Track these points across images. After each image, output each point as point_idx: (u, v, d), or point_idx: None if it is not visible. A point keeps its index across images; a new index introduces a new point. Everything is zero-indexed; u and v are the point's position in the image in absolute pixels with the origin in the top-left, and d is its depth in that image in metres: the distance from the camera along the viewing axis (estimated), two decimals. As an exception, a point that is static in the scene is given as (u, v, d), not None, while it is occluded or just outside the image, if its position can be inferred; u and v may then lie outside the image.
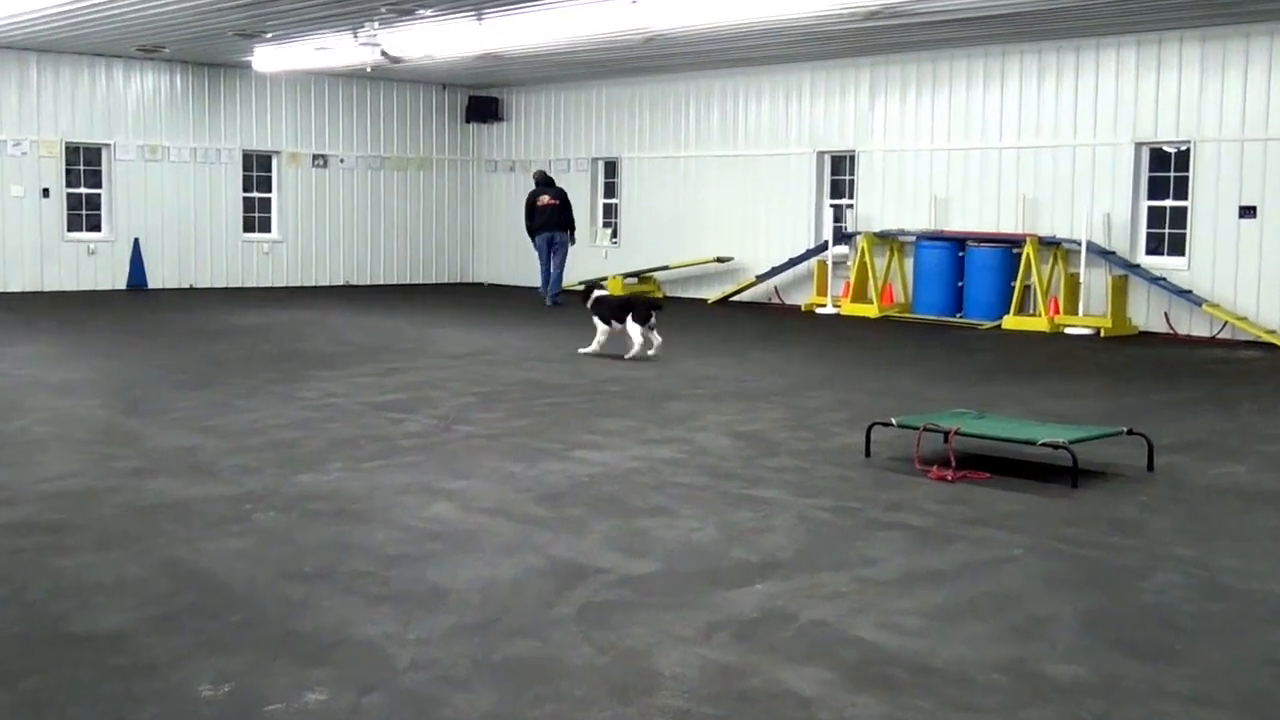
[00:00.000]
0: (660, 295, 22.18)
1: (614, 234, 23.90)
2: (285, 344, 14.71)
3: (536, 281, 23.32)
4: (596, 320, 13.56)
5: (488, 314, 19.15)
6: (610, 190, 24.13)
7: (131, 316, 18.02)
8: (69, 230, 21.79)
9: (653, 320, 13.32)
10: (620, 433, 9.11)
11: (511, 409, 10.11)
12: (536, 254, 21.01)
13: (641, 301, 13.80)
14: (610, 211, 24.15)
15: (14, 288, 21.19)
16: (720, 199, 21.98)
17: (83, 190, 21.96)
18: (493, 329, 16.84)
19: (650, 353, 13.27)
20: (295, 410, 9.93)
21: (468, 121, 25.83)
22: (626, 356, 13.16)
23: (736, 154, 21.68)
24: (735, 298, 21.37)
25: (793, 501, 7.05)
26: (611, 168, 23.98)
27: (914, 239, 19.09)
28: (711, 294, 21.74)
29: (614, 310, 13.54)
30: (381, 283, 24.97)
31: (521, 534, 6.29)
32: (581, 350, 13.67)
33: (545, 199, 20.60)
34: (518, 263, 25.01)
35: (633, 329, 13.21)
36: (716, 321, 18.39)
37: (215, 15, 16.81)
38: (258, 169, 23.71)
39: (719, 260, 21.52)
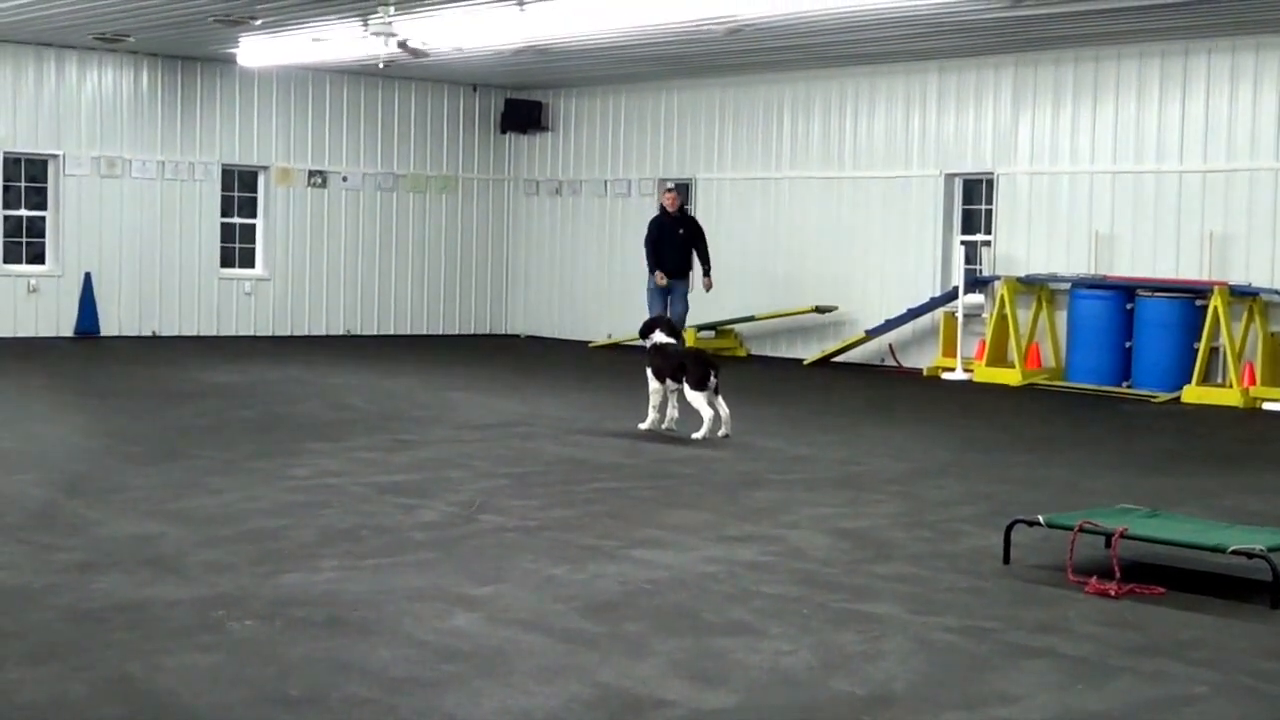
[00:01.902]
0: (744, 353, 22.24)
1: (685, 275, 23.97)
2: (270, 409, 14.81)
3: (586, 333, 23.46)
4: (650, 376, 13.27)
5: (524, 374, 19.22)
6: (682, 220, 24.22)
7: (79, 371, 18.22)
8: (4, 262, 22.15)
9: (713, 382, 12.88)
10: (690, 528, 9.08)
11: (552, 495, 10.10)
12: (648, 294, 20.28)
13: (695, 357, 13.40)
14: (681, 247, 24.24)
15: (-66, 333, 21.58)
16: (821, 233, 22.03)
17: (23, 212, 22.34)
18: (530, 393, 16.89)
19: (722, 432, 12.94)
20: (281, 492, 9.96)
21: (504, 131, 26.07)
22: (695, 436, 12.92)
23: (842, 176, 21.74)
24: (838, 358, 21.35)
25: (909, 620, 6.99)
26: (684, 192, 24.10)
27: (1068, 286, 19.01)
28: (809, 353, 21.74)
29: (673, 366, 13.11)
30: (391, 333, 25.16)
31: (563, 655, 6.27)
32: (641, 425, 13.44)
33: (680, 231, 20.27)
34: (563, 309, 25.12)
35: (696, 398, 12.82)
36: (814, 388, 18.36)
37: (192, -4, 17.14)
38: (240, 188, 24.03)
39: (819, 310, 21.54)
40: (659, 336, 13.50)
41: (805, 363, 21.37)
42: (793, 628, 6.79)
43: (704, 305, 23.02)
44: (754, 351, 22.56)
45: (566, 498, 10.03)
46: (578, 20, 17.29)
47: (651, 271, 20.14)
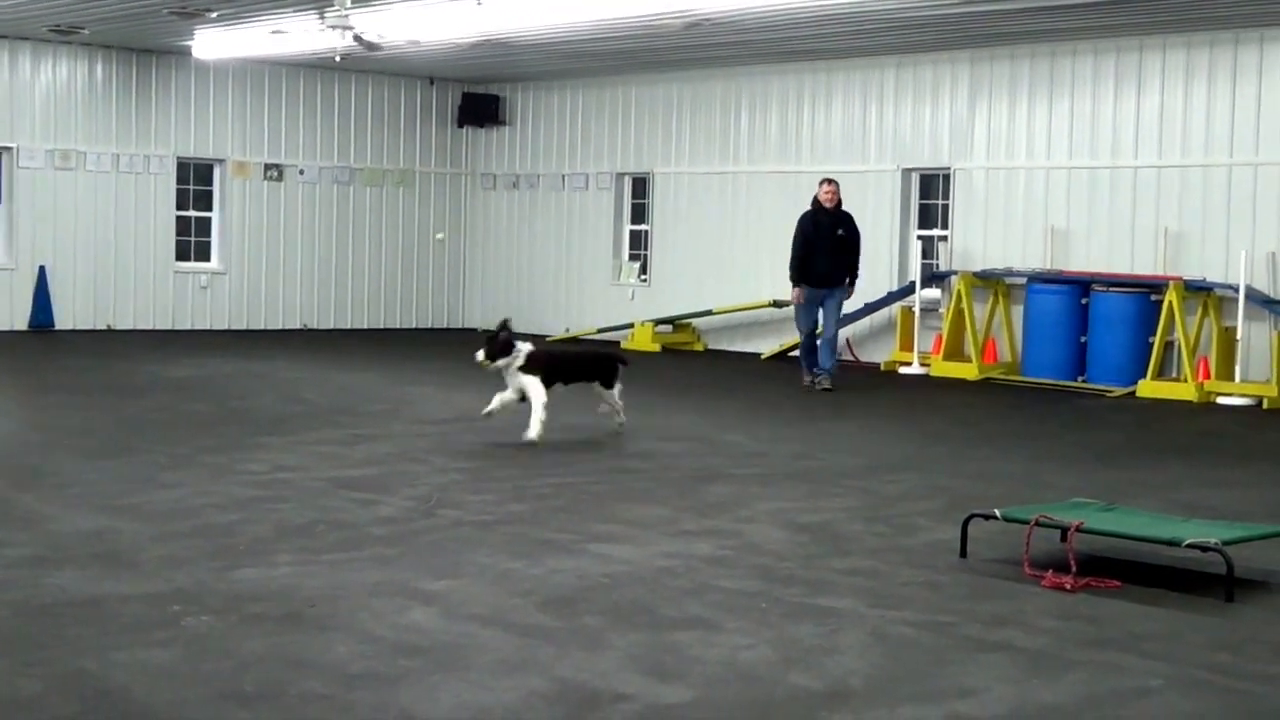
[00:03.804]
0: (701, 347, 22.26)
1: (643, 269, 23.98)
2: (224, 402, 14.77)
3: (543, 328, 23.39)
4: (526, 380, 12.43)
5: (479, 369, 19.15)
6: (639, 214, 24.24)
7: (32, 364, 18.13)
8: (-44, 255, 22.02)
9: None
10: (647, 522, 9.09)
11: (509, 490, 10.10)
12: (795, 308, 17.80)
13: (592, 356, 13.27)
14: (639, 241, 24.26)
15: (-115, 327, 21.41)
16: (778, 227, 22.02)
17: (-25, 205, 22.21)
18: (486, 388, 16.80)
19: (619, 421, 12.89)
20: (236, 487, 9.93)
21: (460, 125, 26.04)
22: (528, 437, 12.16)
23: (799, 170, 21.75)
24: (796, 352, 21.38)
25: (867, 613, 7.01)
26: (641, 186, 24.11)
27: (1024, 281, 19.09)
28: (766, 347, 21.77)
29: (562, 368, 12.70)
30: (348, 327, 25.10)
31: (521, 649, 6.27)
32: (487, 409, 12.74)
33: (839, 232, 17.39)
34: (521, 304, 25.11)
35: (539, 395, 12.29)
36: (772, 382, 18.38)
37: (150, -12, 17.05)
38: (195, 181, 23.93)
39: (776, 305, 21.55)
40: (523, 345, 12.66)
41: (763, 357, 21.38)
42: (750, 622, 6.79)
43: (662, 298, 23.06)
44: (711, 346, 22.58)
45: (522, 492, 10.02)
46: (535, 14, 17.29)
47: (796, 283, 17.30)
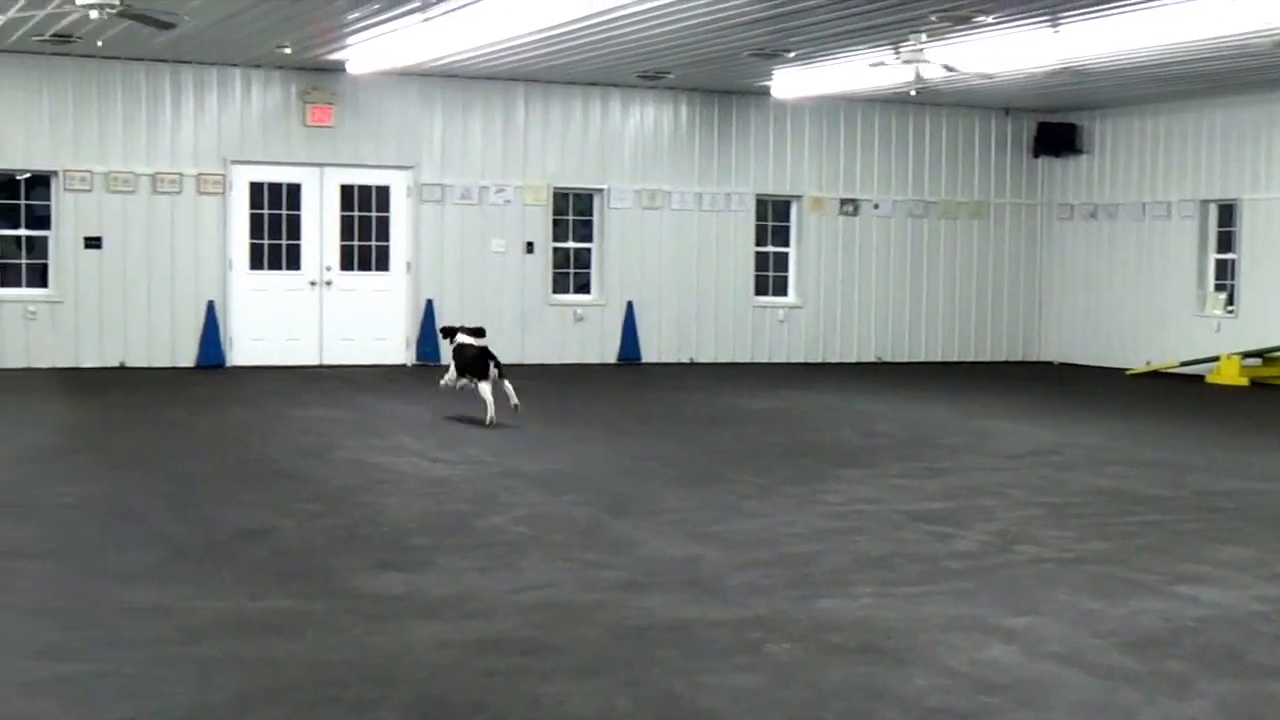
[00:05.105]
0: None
1: (1229, 300, 22.98)
2: (802, 434, 15.06)
3: (1122, 360, 22.76)
4: (451, 366, 15.48)
5: (1057, 401, 18.86)
6: (1225, 243, 23.24)
7: (621, 395, 18.99)
8: (553, 292, 23.31)
9: (493, 374, 14.87)
10: (1238, 564, 8.73)
11: (1089, 527, 9.90)
12: None
13: (479, 355, 15.18)
14: (1224, 270, 23.26)
15: (490, 359, 22.82)
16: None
17: (570, 245, 23.46)
18: (1064, 421, 16.56)
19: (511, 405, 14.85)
20: (814, 517, 10.12)
21: (1036, 155, 25.67)
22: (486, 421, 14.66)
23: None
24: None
25: None
26: (1227, 213, 23.11)
27: None
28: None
29: (467, 360, 15.20)
30: (921, 359, 25.13)
31: (1103, 691, 6.14)
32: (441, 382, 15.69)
33: None
34: (1098, 336, 24.52)
35: (483, 388, 14.79)
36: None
37: (733, 32, 17.58)
38: (773, 217, 24.52)
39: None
40: (460, 337, 15.47)
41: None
42: (1353, 674, 6.41)
43: (1252, 329, 22.01)
44: (1304, 380, 21.43)
45: (1104, 529, 9.80)
46: (1115, 39, 16.90)
47: None
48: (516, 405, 14.86)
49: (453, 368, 15.47)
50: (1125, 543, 9.36)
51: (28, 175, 20.58)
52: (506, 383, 14.94)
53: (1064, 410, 17.81)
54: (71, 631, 6.88)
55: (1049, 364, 25.27)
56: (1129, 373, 23.11)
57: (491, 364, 14.93)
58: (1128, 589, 8.01)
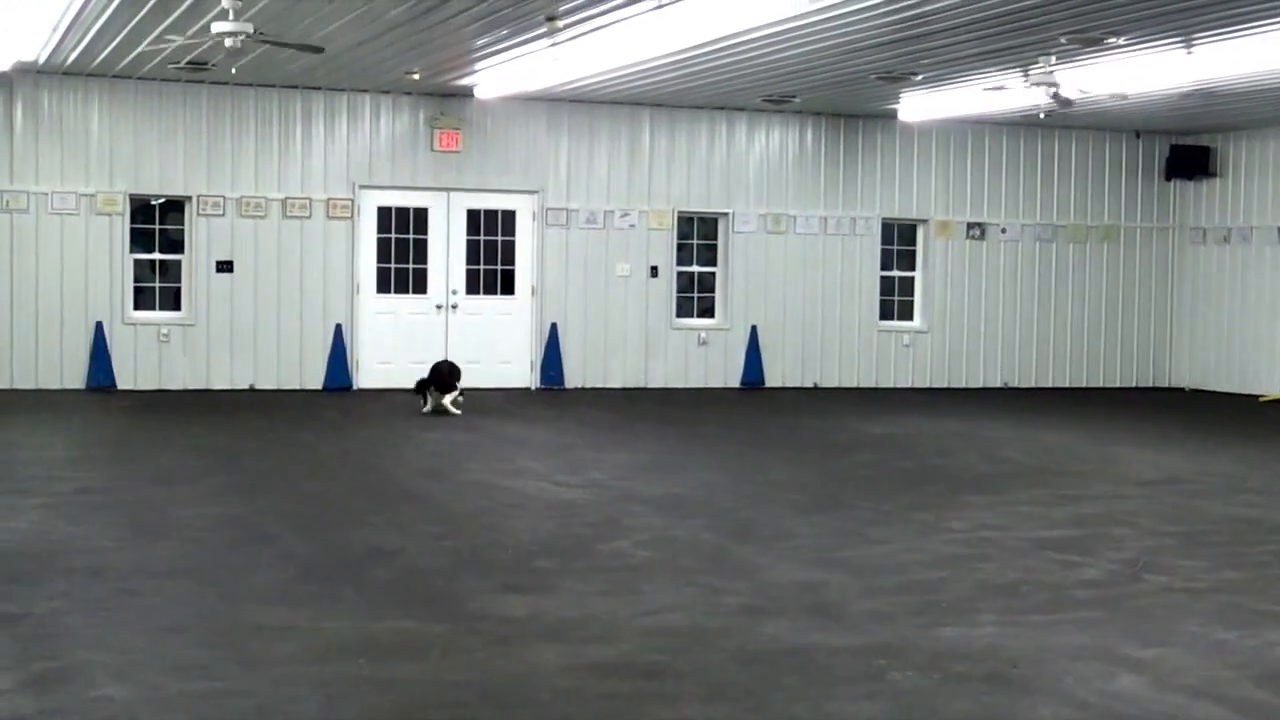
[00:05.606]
0: None
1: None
2: (927, 460, 14.96)
3: (1256, 386, 22.36)
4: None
5: (1188, 428, 18.58)
6: (1363, 268, 22.80)
7: (743, 420, 18.97)
8: (677, 316, 23.35)
9: (454, 393, 18.17)
10: (1375, 596, 8.54)
11: (1221, 556, 9.76)
12: None
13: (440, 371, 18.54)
14: (1362, 295, 22.83)
15: (614, 383, 22.91)
16: None
17: (694, 268, 23.49)
18: (1195, 448, 16.32)
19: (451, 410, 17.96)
20: (939, 544, 10.05)
21: (1168, 178, 25.31)
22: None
23: None
24: None
25: None
26: (1365, 236, 22.68)
27: None
28: None
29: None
30: (1049, 385, 24.84)
31: (1236, 725, 6.04)
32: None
33: None
34: (1231, 363, 24.13)
35: (445, 399, 18.08)
36: None
37: (860, 55, 17.53)
38: (899, 241, 24.39)
39: None
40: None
41: None
42: None
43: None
44: None
45: (1237, 559, 9.65)
46: (1249, 60, 16.64)
47: None
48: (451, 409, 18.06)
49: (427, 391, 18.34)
50: (1258, 573, 9.21)
51: (162, 200, 21.00)
52: (450, 396, 18.12)
53: (1195, 437, 17.55)
54: (203, 650, 7.00)
55: (1179, 390, 24.89)
56: (1261, 399, 22.71)
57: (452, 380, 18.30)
58: (1261, 620, 7.87)
